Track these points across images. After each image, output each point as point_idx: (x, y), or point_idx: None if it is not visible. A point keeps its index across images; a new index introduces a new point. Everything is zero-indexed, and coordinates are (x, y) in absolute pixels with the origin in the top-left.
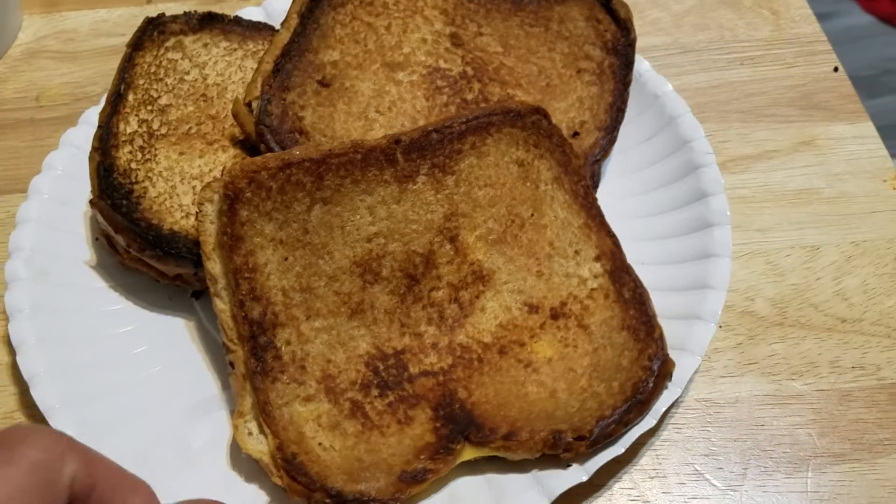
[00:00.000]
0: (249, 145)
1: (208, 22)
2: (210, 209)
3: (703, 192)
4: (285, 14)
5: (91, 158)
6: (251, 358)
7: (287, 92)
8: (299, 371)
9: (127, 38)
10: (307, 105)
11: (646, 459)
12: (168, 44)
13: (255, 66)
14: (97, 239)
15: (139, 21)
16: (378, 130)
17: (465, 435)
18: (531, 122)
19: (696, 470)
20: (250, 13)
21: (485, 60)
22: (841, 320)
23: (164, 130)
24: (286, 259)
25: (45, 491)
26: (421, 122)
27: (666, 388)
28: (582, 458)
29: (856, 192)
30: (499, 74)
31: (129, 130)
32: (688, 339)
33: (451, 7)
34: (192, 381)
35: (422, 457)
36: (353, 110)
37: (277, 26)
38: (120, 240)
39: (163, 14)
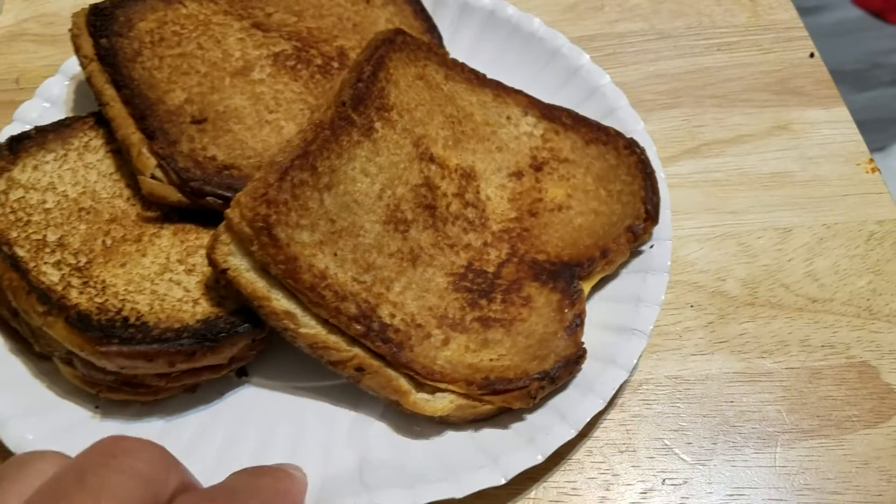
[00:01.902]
0: (178, 212)
1: (17, 145)
2: (236, 261)
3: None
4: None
5: (55, 326)
6: (380, 345)
7: (177, 145)
8: (419, 329)
9: None
10: (206, 145)
11: (615, 434)
12: (1, 188)
13: (99, 158)
14: None
15: None
16: (288, 125)
17: (575, 275)
18: (401, 43)
19: (666, 444)
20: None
21: (296, 31)
22: (811, 300)
23: (83, 259)
24: (336, 254)
25: (151, 501)
26: (310, 100)
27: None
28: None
29: (829, 175)
30: (315, 36)
31: (57, 279)
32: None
33: (229, 7)
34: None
35: (565, 310)
36: (249, 124)
37: (67, 112)
38: (151, 367)
39: None
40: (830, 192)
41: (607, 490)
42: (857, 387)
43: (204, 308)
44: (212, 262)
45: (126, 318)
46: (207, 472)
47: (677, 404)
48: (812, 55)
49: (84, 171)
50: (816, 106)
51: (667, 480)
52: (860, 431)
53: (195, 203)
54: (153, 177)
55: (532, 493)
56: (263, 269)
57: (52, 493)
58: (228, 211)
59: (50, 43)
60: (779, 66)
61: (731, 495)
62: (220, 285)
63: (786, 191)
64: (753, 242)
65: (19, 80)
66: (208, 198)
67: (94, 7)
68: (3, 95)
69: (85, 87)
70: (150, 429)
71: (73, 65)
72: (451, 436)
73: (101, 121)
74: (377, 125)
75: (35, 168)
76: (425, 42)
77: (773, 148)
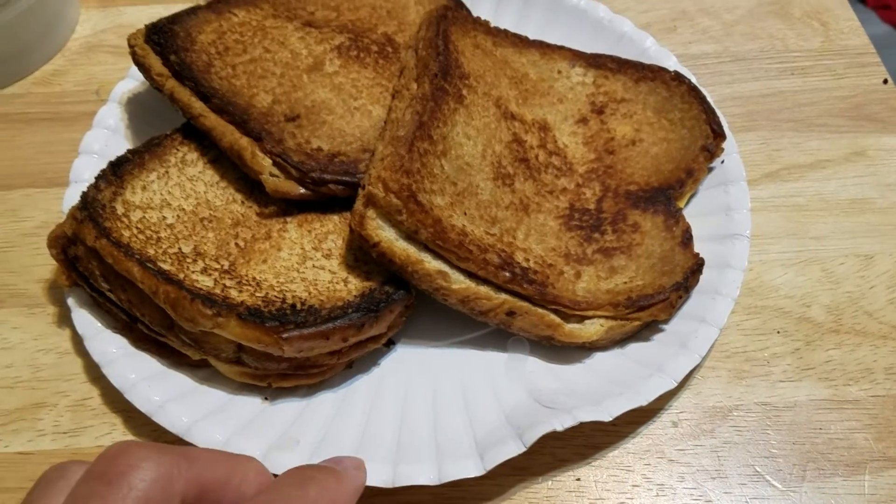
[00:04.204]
0: (295, 205)
1: (120, 169)
2: (385, 233)
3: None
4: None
5: (227, 325)
6: (526, 287)
7: (283, 142)
8: (552, 268)
9: None
10: (308, 138)
11: (707, 461)
12: (119, 211)
13: (199, 170)
14: None
15: None
16: (375, 108)
17: (670, 197)
18: (453, 17)
19: (757, 471)
20: (105, 115)
21: (342, 24)
22: (895, 328)
23: (225, 263)
24: (465, 213)
25: None
26: (384, 83)
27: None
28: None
29: None
30: (358, 27)
31: (212, 284)
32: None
33: (275, 10)
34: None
35: (673, 228)
36: (340, 113)
37: (142, 116)
38: (326, 346)
39: (81, 199)
40: None
41: None
42: None
43: (355, 284)
44: (363, 238)
45: (293, 306)
46: (392, 431)
47: (767, 431)
48: (886, 81)
49: (190, 184)
50: (892, 133)
51: None
52: None
53: (316, 193)
54: (271, 175)
55: None
56: (410, 237)
57: None
58: (371, 188)
59: (128, 55)
60: (853, 92)
61: None
62: (359, 262)
63: (865, 217)
64: (836, 269)
65: (99, 91)
66: (329, 185)
67: (152, 27)
68: (86, 107)
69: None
70: (324, 405)
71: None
72: (602, 357)
73: (188, 134)
74: (464, 92)
75: (143, 188)
76: (470, 14)
77: (850, 174)
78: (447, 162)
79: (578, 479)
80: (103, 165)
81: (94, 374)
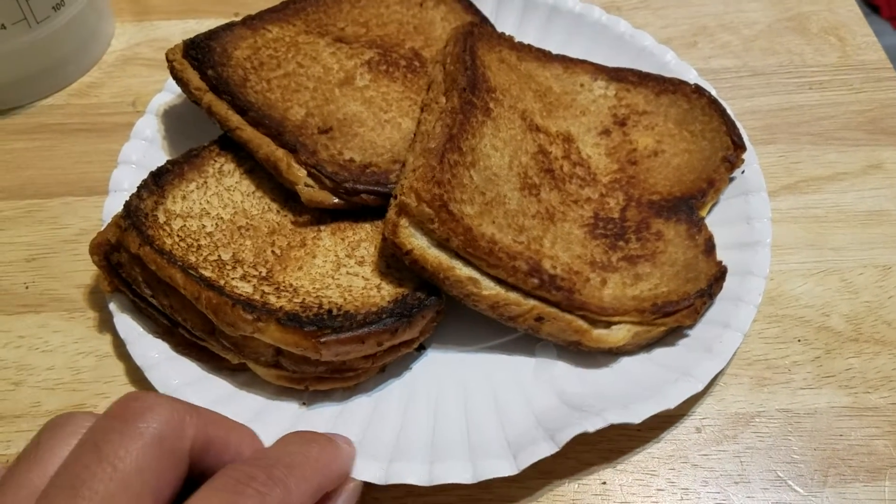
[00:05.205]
0: (329, 214)
1: (161, 179)
2: (418, 241)
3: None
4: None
5: (267, 330)
6: (554, 293)
7: (317, 154)
8: (578, 275)
9: None
10: (341, 150)
11: (730, 465)
12: (161, 220)
13: (236, 180)
14: None
15: None
16: (405, 121)
17: (692, 207)
18: (479, 34)
19: (779, 476)
20: (142, 127)
21: (371, 40)
22: None
23: (263, 270)
24: (493, 222)
25: (170, 459)
26: (413, 96)
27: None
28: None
29: None
30: (387, 42)
31: (251, 290)
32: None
33: (306, 27)
34: None
35: (695, 237)
36: (371, 125)
37: (179, 127)
38: (362, 350)
39: (125, 208)
40: None
41: None
42: None
43: (388, 290)
44: (396, 246)
45: (330, 311)
46: (426, 432)
47: (789, 437)
48: None
49: (228, 194)
50: None
51: None
52: None
53: (349, 203)
54: (306, 185)
55: None
56: (441, 245)
57: (74, 464)
58: (403, 198)
59: (162, 68)
60: (870, 106)
61: None
62: (391, 269)
63: (883, 229)
64: (855, 279)
65: (135, 103)
66: (361, 195)
67: (190, 43)
68: (122, 118)
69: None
70: (360, 408)
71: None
72: (628, 362)
73: (225, 146)
74: (491, 105)
75: (183, 198)
76: (495, 30)
77: (868, 186)
78: (476, 173)
79: (604, 483)
80: (142, 175)
81: (134, 376)
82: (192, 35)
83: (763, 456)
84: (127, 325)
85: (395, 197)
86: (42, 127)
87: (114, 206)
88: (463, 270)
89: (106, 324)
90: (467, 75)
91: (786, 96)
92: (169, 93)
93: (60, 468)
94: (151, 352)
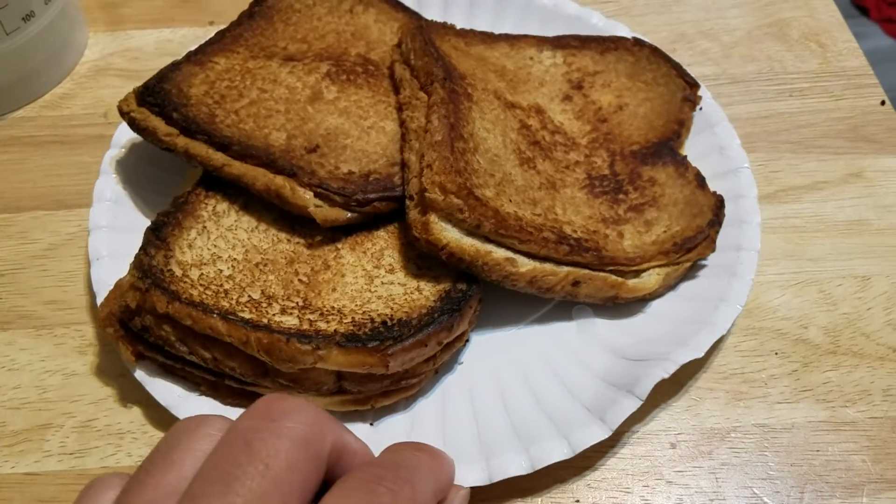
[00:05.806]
0: (341, 230)
1: (161, 232)
2: (450, 234)
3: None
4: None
5: (329, 356)
6: (585, 255)
7: (314, 174)
8: (597, 234)
9: None
10: (337, 164)
11: (705, 482)
12: (178, 273)
13: (234, 219)
14: None
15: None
16: (387, 123)
17: (672, 147)
18: (426, 26)
19: (755, 493)
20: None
21: (316, 53)
22: (892, 349)
23: (298, 301)
24: (510, 200)
25: (314, 461)
26: (384, 98)
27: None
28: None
29: None
30: (332, 53)
31: (297, 322)
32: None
33: (250, 53)
34: None
35: (685, 174)
36: (356, 134)
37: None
38: (425, 353)
39: (138, 269)
40: None
41: None
42: None
43: (430, 290)
44: (430, 244)
45: (384, 323)
46: (501, 420)
47: (765, 453)
48: (883, 103)
49: (231, 234)
50: (889, 154)
51: None
52: None
53: (362, 214)
54: (315, 207)
55: None
56: (472, 232)
57: (224, 461)
58: (429, 194)
59: (135, 78)
60: (851, 113)
61: None
62: (423, 269)
63: (863, 239)
64: (833, 290)
65: (107, 114)
66: (374, 204)
67: (143, 89)
68: (93, 129)
69: None
70: (428, 414)
71: None
72: (660, 303)
73: (210, 186)
74: (469, 91)
75: (189, 247)
76: (437, 22)
77: (848, 195)
78: (480, 156)
79: (577, 501)
80: (122, 188)
81: (99, 395)
82: (166, 44)
83: (739, 472)
84: (164, 389)
85: (411, 198)
86: (12, 140)
87: (98, 274)
88: (499, 252)
89: (72, 341)
90: (441, 66)
91: (765, 104)
92: (117, 148)
93: (208, 465)
94: (202, 410)
